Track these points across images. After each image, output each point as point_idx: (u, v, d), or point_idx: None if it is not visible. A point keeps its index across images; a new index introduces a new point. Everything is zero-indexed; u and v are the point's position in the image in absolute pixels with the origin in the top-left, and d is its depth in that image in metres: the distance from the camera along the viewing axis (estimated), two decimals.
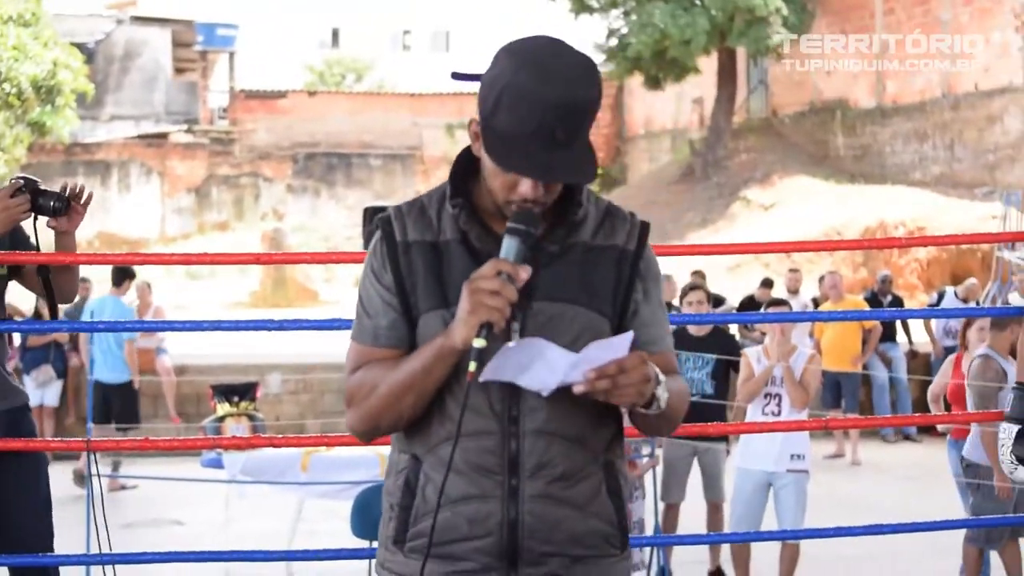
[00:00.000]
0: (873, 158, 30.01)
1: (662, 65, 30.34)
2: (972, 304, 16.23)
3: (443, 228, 2.77)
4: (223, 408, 10.93)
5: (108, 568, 4.97)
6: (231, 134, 38.12)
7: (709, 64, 31.19)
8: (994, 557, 7.90)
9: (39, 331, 12.51)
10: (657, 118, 38.42)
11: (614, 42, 31.00)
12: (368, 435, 2.83)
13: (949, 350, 12.78)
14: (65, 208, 4.91)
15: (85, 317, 13.13)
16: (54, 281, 5.09)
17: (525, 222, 2.62)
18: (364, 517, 6.95)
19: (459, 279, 2.66)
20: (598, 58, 32.93)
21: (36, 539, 5.01)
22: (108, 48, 38.93)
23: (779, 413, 7.90)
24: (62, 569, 5.12)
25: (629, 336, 2.58)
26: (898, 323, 16.12)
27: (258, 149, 37.55)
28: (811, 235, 23.72)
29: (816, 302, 16.00)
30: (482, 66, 2.68)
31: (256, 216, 36.15)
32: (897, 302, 16.59)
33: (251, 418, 10.96)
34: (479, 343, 2.55)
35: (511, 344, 2.55)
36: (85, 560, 5.34)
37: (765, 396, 7.98)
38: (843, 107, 30.78)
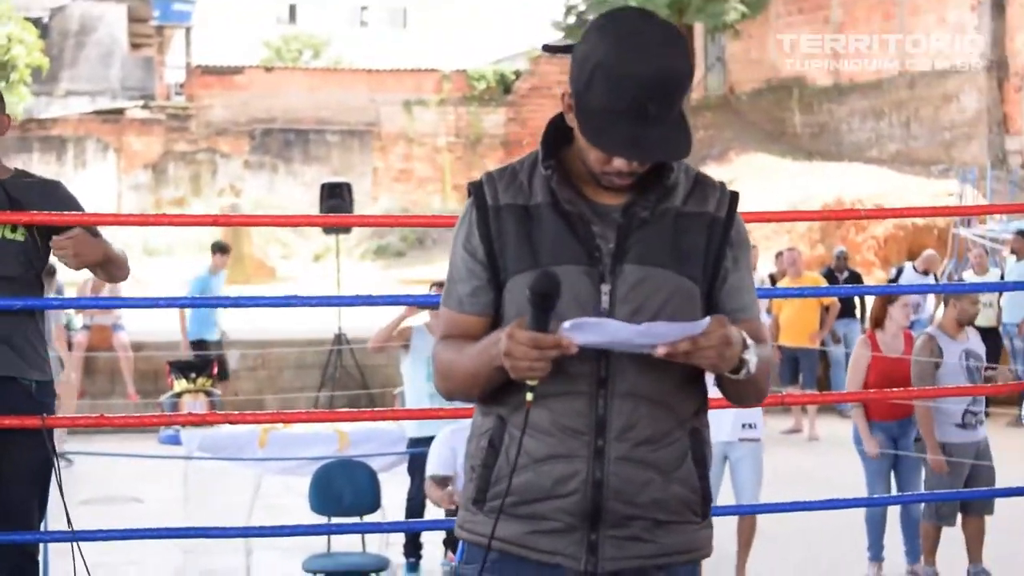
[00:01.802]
0: (830, 136, 30.10)
1: None
2: (931, 275, 16.37)
3: (535, 192, 2.79)
4: (180, 384, 10.91)
5: (65, 545, 4.92)
6: (188, 110, 37.82)
7: None
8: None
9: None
10: None
11: (572, 19, 30.94)
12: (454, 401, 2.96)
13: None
14: None
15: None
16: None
17: (546, 290, 2.59)
18: (322, 493, 6.95)
19: (549, 241, 2.74)
20: (556, 35, 32.87)
21: (21, 515, 4.92)
22: (63, 22, 38.55)
23: None
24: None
25: (704, 323, 2.60)
26: (856, 299, 16.19)
27: (215, 125, 37.26)
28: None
29: (773, 279, 16.02)
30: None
31: (213, 192, 35.88)
32: (854, 278, 16.64)
33: (208, 394, 10.94)
34: (532, 382, 2.59)
35: (565, 325, 2.56)
36: (44, 538, 5.30)
37: None
38: (800, 85, 30.84)
